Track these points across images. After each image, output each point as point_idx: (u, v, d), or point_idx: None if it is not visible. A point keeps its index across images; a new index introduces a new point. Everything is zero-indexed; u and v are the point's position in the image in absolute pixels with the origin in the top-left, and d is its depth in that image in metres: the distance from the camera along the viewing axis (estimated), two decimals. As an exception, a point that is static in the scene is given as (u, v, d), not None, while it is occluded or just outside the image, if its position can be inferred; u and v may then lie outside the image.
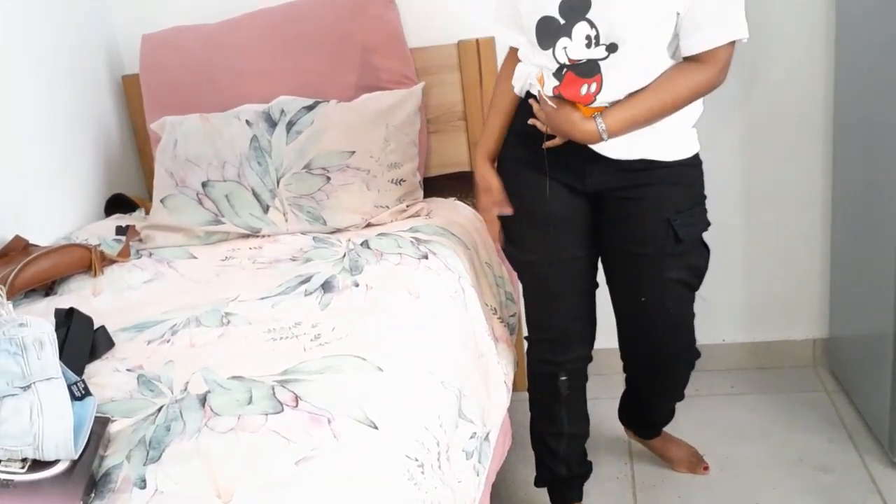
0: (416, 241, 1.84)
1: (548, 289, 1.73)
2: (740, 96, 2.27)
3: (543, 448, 1.89)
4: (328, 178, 2.01)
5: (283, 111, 2.09)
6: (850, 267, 2.24)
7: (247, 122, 2.10)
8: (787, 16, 2.20)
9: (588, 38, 1.42)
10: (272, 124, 2.08)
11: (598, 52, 1.43)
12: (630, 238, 1.62)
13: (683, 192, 1.59)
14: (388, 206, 2.02)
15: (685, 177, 1.59)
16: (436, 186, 2.25)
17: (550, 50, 1.46)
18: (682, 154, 1.57)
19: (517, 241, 1.74)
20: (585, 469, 1.94)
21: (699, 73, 1.46)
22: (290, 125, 2.07)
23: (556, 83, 1.47)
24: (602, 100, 1.46)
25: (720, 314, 2.47)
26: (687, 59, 1.47)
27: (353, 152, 2.03)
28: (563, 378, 1.78)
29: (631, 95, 1.47)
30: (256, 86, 2.20)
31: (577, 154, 1.55)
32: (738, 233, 2.41)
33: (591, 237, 1.69)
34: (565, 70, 1.46)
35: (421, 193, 2.12)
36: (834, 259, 2.35)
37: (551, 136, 1.56)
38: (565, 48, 1.44)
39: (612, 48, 1.42)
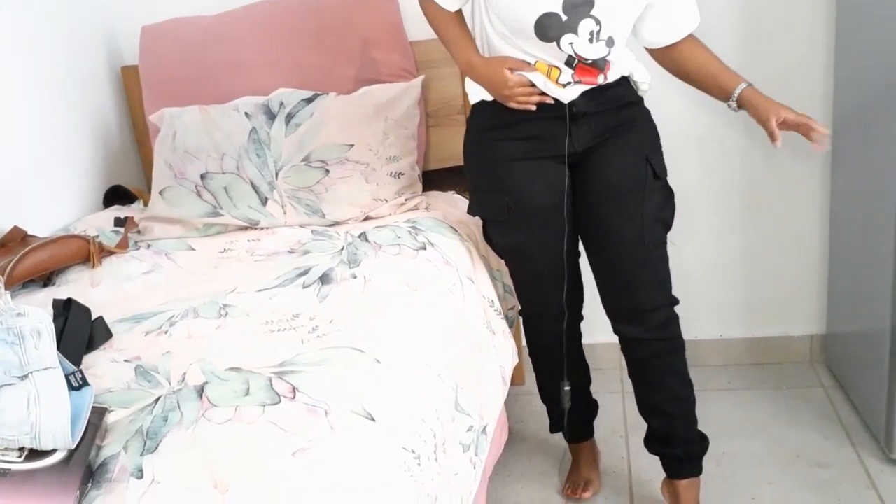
0: (413, 230, 1.84)
1: (537, 274, 1.78)
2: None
3: (551, 403, 2.00)
4: (327, 171, 2.01)
5: (282, 103, 2.09)
6: (847, 263, 2.24)
7: (246, 114, 2.09)
8: (787, 15, 2.20)
9: (591, 33, 1.54)
10: (271, 116, 2.08)
11: (598, 48, 1.56)
12: (614, 177, 1.69)
13: (653, 134, 1.75)
14: (386, 200, 2.02)
15: (650, 120, 1.75)
16: (435, 180, 2.24)
17: (554, 43, 1.55)
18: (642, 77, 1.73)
19: (505, 230, 1.76)
20: (592, 409, 2.05)
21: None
22: (289, 117, 2.07)
23: (571, 71, 1.59)
24: (611, 77, 1.64)
25: (718, 310, 2.48)
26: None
27: (352, 145, 2.02)
28: (560, 342, 1.85)
29: (705, 71, 1.69)
30: (256, 78, 2.20)
31: (560, 122, 1.64)
32: (736, 229, 2.41)
33: (572, 211, 1.74)
34: (576, 62, 1.58)
35: (420, 187, 2.12)
36: (832, 255, 2.36)
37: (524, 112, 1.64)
38: (571, 43, 1.55)
39: (610, 42, 1.56)
